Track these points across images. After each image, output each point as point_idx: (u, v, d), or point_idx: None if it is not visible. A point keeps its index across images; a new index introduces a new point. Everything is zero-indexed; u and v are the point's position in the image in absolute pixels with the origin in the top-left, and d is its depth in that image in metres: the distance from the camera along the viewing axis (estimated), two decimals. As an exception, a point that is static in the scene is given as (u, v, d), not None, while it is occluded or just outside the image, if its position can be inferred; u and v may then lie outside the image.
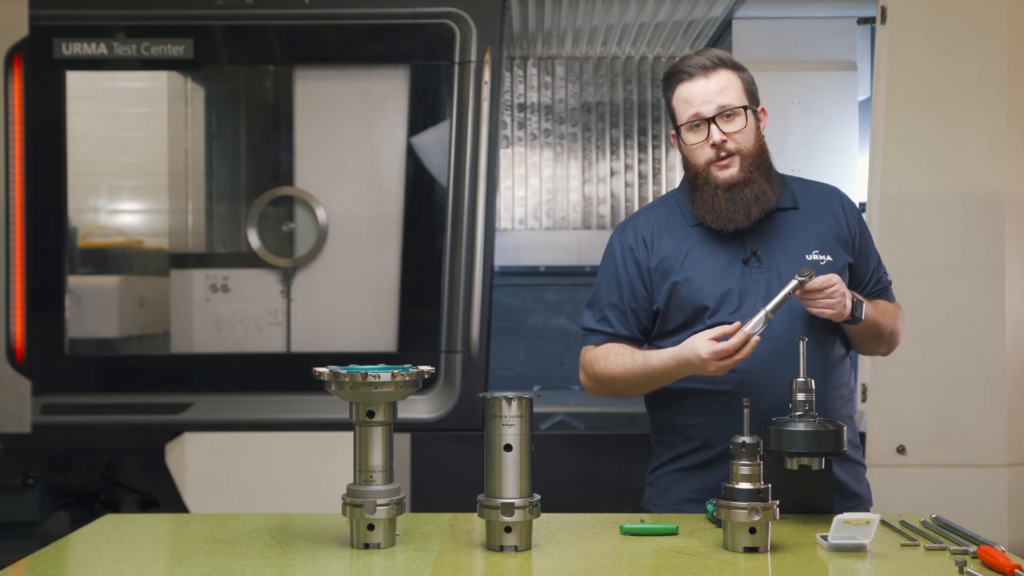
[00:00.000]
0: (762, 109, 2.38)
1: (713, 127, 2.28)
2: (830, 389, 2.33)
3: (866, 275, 2.42)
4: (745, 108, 2.30)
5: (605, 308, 2.42)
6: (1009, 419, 3.83)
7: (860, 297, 2.29)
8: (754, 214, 2.31)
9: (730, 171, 2.30)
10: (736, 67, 2.34)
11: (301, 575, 1.80)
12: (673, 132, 2.41)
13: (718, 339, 2.15)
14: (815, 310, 2.20)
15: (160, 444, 4.25)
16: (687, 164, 2.37)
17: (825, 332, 2.32)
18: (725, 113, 2.29)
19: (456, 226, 4.29)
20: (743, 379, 2.27)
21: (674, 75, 2.35)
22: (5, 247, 4.23)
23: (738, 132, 2.29)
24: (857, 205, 2.49)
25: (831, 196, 2.44)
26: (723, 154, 2.29)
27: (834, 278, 2.20)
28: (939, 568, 1.82)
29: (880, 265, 2.47)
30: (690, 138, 2.32)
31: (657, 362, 2.28)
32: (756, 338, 2.14)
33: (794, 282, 2.15)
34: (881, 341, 2.42)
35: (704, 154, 2.31)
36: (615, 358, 2.36)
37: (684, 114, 2.32)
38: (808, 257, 2.34)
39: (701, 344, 2.16)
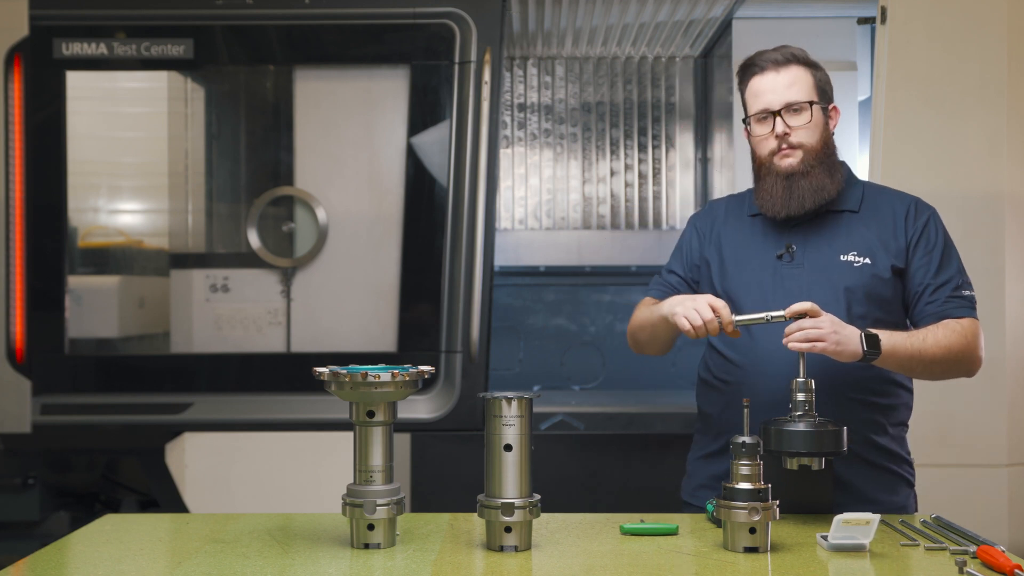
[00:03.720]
0: (833, 107, 2.43)
1: (778, 120, 2.34)
2: (846, 392, 2.29)
3: (921, 284, 2.34)
4: (812, 104, 2.35)
5: (666, 273, 2.57)
6: (1009, 419, 3.82)
7: (874, 332, 2.19)
8: (808, 205, 2.35)
9: (790, 160, 2.36)
10: (809, 64, 2.39)
11: (301, 575, 1.80)
12: (745, 124, 2.46)
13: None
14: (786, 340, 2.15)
15: (160, 444, 4.25)
16: (754, 155, 2.44)
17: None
18: (792, 108, 2.35)
19: (456, 226, 4.29)
20: (747, 372, 2.34)
21: (748, 68, 2.42)
22: (5, 247, 4.23)
23: (802, 127, 2.35)
24: (936, 217, 2.41)
25: (898, 202, 2.43)
26: (785, 146, 2.35)
27: (824, 321, 2.14)
28: (939, 568, 1.82)
29: (947, 282, 2.34)
30: (757, 129, 2.39)
31: (664, 303, 2.37)
32: (729, 325, 2.18)
33: (779, 313, 2.17)
34: (946, 369, 2.29)
35: (768, 145, 2.38)
36: (647, 308, 2.48)
37: (753, 106, 2.39)
38: (843, 258, 2.35)
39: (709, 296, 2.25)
